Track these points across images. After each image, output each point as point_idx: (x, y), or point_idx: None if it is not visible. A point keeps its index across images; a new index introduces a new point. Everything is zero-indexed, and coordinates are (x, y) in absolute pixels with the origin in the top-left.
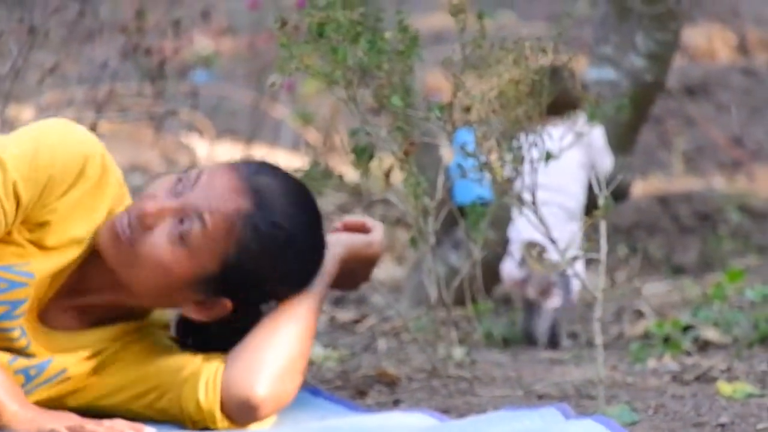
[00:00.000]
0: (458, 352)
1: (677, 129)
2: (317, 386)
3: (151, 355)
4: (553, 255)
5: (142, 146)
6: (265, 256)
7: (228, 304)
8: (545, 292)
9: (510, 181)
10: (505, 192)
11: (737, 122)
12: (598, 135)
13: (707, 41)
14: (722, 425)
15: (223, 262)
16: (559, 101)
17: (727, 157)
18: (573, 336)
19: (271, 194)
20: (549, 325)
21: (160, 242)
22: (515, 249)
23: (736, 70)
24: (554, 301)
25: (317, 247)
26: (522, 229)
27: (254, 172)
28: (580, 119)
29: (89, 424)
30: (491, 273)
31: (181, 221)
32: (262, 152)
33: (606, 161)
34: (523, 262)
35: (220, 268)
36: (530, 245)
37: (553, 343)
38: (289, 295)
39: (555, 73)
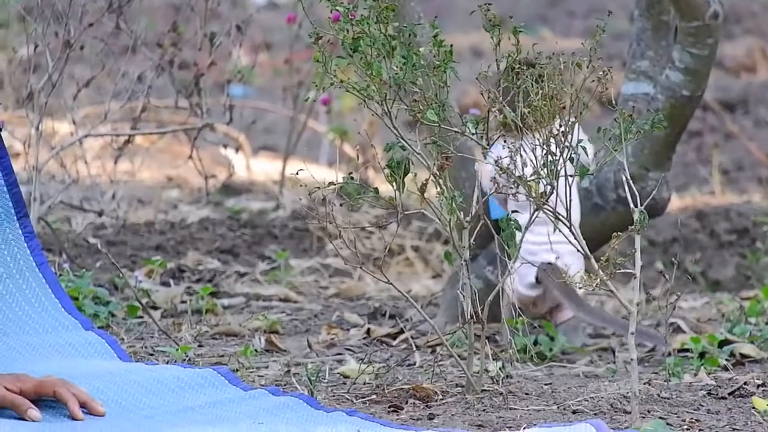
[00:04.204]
0: (493, 367)
1: (716, 144)
2: (352, 400)
3: None
4: (572, 271)
5: (179, 160)
6: None
7: None
8: (555, 309)
9: (545, 195)
10: (540, 207)
11: None
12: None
13: (747, 56)
14: None
15: None
16: None
17: (765, 172)
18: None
19: None
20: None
21: None
22: (524, 269)
23: None
24: (565, 315)
25: None
26: (533, 249)
27: None
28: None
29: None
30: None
31: None
32: (299, 167)
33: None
34: (537, 283)
35: None
36: (547, 267)
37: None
38: None
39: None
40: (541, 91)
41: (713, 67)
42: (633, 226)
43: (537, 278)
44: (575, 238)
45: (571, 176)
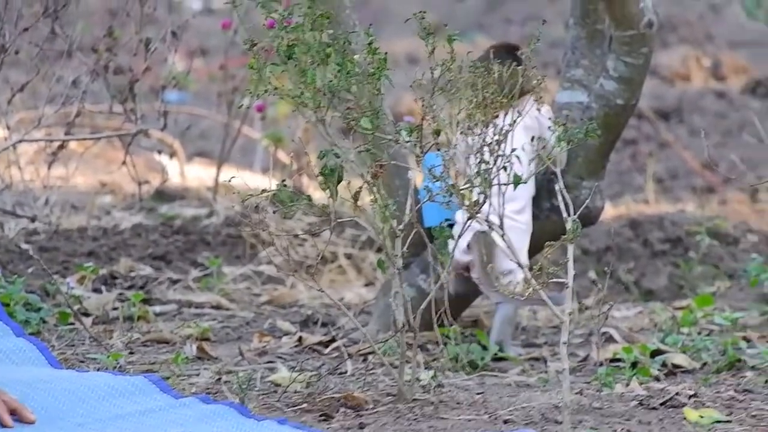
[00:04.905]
0: (425, 376)
1: (650, 153)
2: (283, 408)
3: None
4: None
5: (112, 166)
6: None
7: None
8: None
9: (478, 204)
10: (473, 216)
11: (710, 146)
12: (545, 112)
13: (682, 65)
14: None
15: None
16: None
17: (700, 181)
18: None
19: None
20: (498, 326)
21: None
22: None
23: (710, 93)
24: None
25: None
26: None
27: None
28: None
29: None
30: (459, 296)
31: None
32: (232, 174)
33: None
34: (468, 249)
35: None
36: (480, 235)
37: (499, 345)
38: None
39: (510, 54)
40: (475, 99)
41: (648, 75)
42: (566, 235)
43: (469, 244)
44: (508, 247)
45: (504, 185)
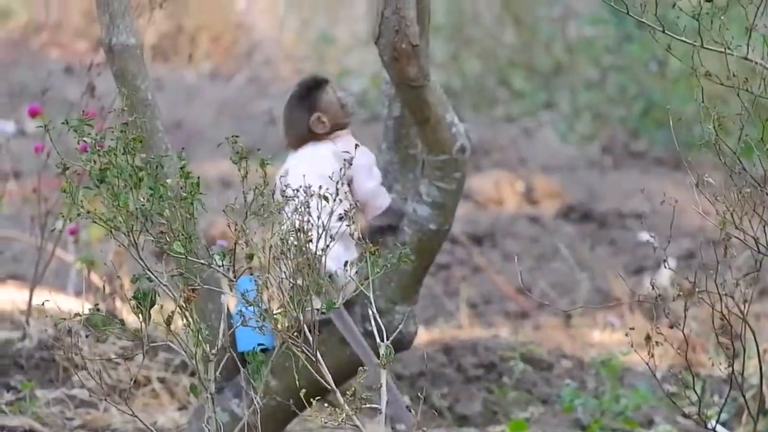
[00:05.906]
0: None
1: (464, 277)
2: None
3: None
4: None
5: None
6: None
7: None
8: None
9: (291, 329)
10: (286, 340)
11: (523, 271)
12: (361, 152)
13: (495, 189)
14: None
15: None
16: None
17: (513, 305)
18: None
19: None
20: None
21: None
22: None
23: (524, 218)
24: None
25: None
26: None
27: None
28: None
29: None
30: (273, 421)
31: None
32: (46, 297)
33: (366, 182)
34: None
35: None
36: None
37: None
38: None
39: (319, 87)
40: (288, 223)
41: (461, 200)
42: (379, 360)
43: None
44: (324, 371)
45: (317, 310)
